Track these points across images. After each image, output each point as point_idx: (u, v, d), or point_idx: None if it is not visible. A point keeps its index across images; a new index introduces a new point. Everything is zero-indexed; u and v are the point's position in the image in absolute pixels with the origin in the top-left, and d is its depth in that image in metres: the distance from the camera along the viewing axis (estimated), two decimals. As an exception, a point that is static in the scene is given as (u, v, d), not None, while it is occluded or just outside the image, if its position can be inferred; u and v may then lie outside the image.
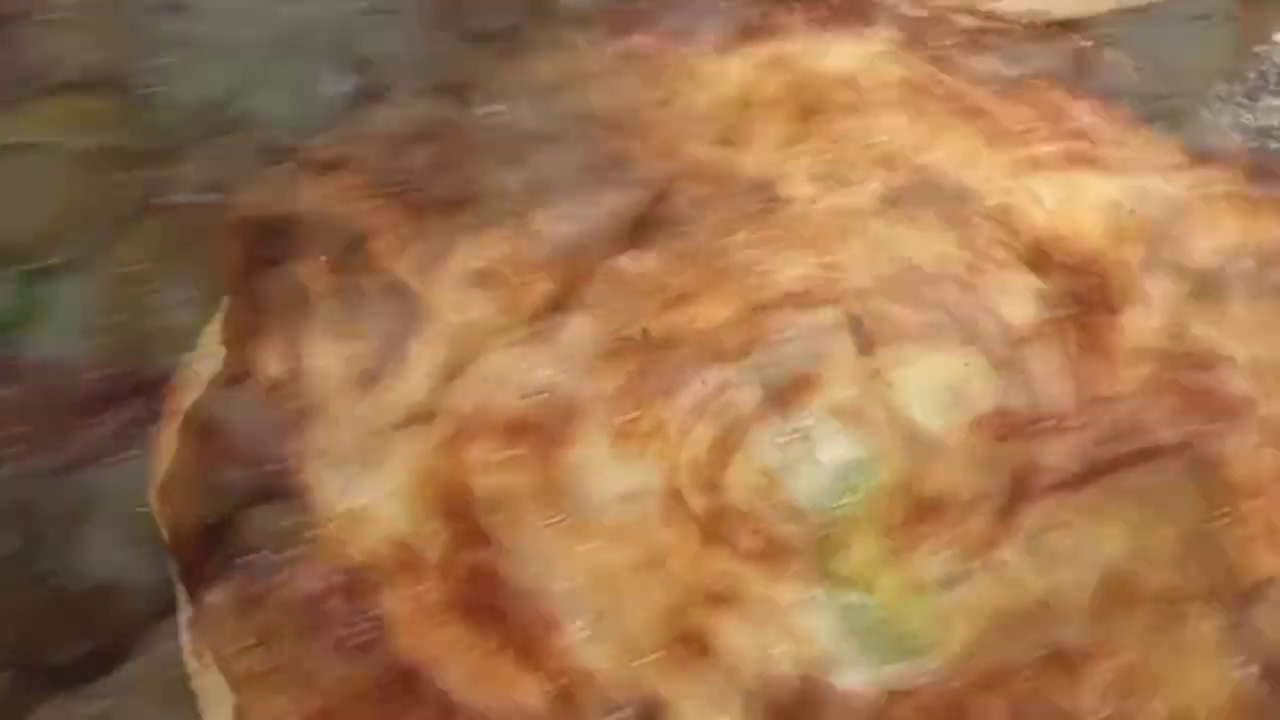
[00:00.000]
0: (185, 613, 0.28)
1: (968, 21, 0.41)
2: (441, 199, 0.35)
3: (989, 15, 0.42)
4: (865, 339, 0.32)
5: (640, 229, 0.34)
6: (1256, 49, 0.41)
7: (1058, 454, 0.29)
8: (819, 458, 0.29)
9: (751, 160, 0.36)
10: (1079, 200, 0.35)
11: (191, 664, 0.28)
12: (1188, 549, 0.27)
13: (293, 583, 0.27)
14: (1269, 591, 0.26)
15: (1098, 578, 0.27)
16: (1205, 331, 0.31)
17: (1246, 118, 0.39)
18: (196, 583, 0.27)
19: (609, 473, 0.29)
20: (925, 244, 0.34)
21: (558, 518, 0.28)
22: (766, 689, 0.25)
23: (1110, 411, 0.30)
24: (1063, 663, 0.25)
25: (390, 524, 0.28)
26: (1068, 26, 0.42)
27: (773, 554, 0.28)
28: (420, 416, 0.30)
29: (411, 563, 0.28)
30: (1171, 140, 0.37)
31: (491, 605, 0.27)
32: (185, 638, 0.28)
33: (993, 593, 0.27)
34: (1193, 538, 0.27)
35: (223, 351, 0.32)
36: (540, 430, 0.30)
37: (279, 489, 0.29)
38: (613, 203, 0.35)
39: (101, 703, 0.27)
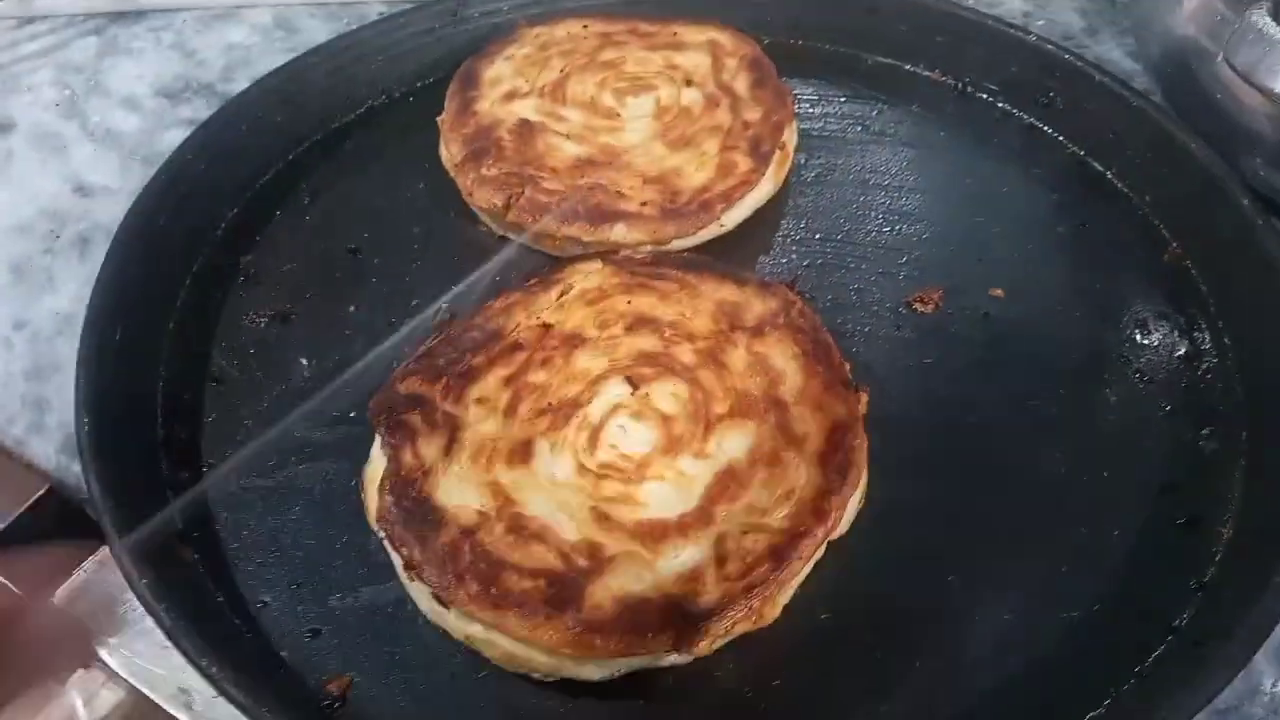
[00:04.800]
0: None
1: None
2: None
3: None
4: (634, 384, 0.72)
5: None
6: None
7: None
8: (629, 434, 0.69)
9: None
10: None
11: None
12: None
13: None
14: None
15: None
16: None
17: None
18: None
19: (553, 458, 0.68)
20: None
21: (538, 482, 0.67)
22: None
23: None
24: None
25: (465, 500, 0.66)
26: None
27: (612, 474, 0.67)
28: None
29: (484, 516, 0.66)
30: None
31: (521, 515, 0.66)
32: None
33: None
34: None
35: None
36: (524, 452, 0.69)
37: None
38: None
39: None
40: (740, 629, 0.62)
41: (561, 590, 0.61)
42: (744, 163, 0.87)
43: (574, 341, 0.74)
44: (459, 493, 0.66)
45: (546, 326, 0.75)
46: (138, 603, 0.64)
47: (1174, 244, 0.88)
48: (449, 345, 0.74)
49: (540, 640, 0.60)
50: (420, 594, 0.65)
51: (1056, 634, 0.66)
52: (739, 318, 0.75)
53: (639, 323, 0.75)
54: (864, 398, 0.71)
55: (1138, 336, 0.82)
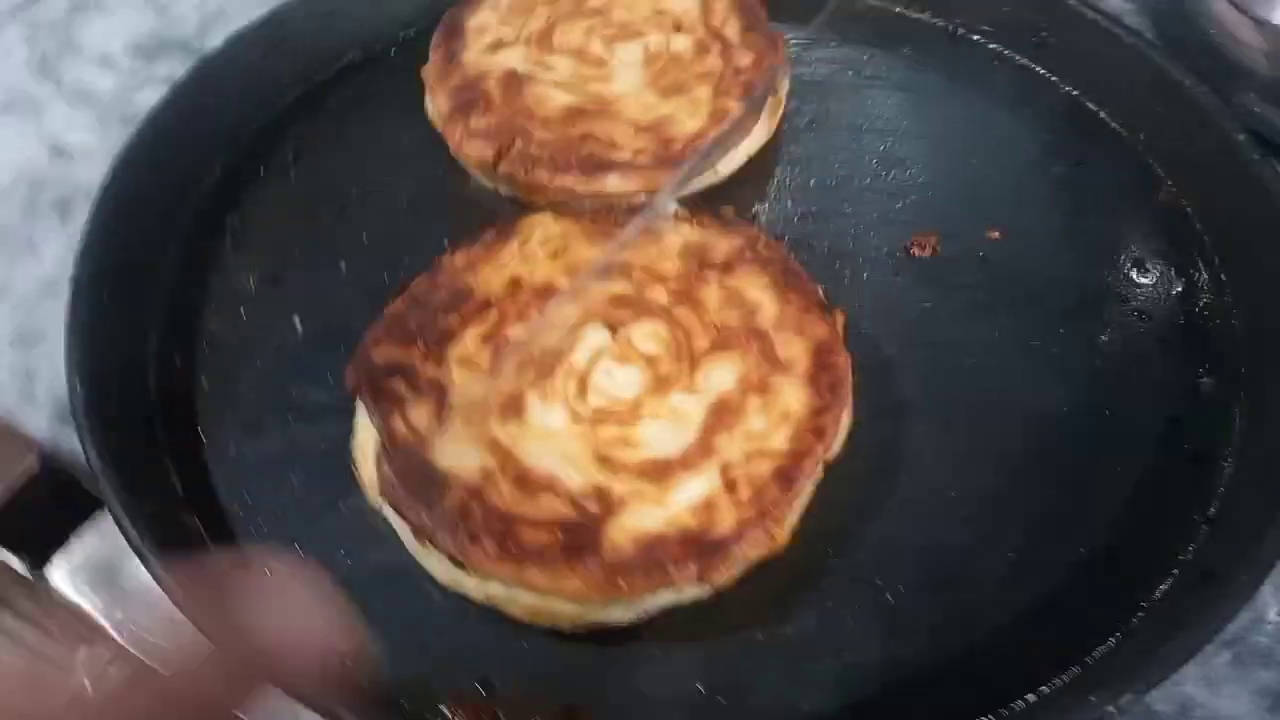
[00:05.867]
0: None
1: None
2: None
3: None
4: (613, 328, 0.72)
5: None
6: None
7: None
8: (615, 378, 0.70)
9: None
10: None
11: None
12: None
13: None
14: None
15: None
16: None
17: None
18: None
19: (545, 409, 0.68)
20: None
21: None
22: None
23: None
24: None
25: (466, 460, 0.67)
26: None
27: (607, 418, 0.68)
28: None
29: (488, 474, 0.65)
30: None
31: (524, 468, 0.66)
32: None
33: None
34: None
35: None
36: (516, 406, 0.69)
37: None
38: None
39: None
40: (756, 553, 0.63)
41: (578, 537, 0.61)
42: (737, 109, 0.86)
43: (546, 293, 0.74)
44: (458, 454, 0.65)
45: (515, 280, 0.74)
46: (139, 573, 0.63)
47: (1169, 182, 0.87)
48: (417, 307, 0.73)
49: (565, 588, 0.60)
50: (434, 561, 0.65)
51: (1063, 570, 0.66)
52: (707, 257, 0.76)
53: (608, 269, 0.75)
54: (841, 318, 0.73)
55: (1135, 275, 0.82)
